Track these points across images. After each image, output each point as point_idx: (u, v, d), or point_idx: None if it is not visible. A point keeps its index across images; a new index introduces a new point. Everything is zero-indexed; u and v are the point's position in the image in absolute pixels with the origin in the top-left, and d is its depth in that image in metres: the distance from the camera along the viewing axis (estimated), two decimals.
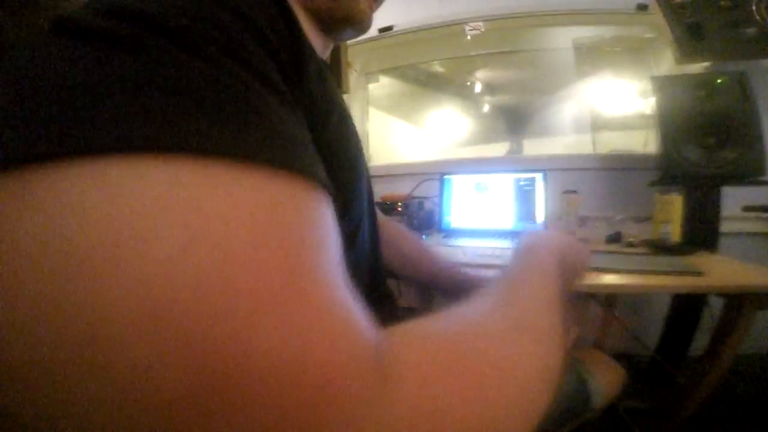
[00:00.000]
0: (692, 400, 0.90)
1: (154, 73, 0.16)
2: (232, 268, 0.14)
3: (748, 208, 1.50)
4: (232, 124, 0.16)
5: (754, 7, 1.29)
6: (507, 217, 1.43)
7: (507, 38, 2.28)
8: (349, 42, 2.00)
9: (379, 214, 0.70)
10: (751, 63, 1.52)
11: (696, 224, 1.25)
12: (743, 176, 1.19)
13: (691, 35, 1.37)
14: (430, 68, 2.65)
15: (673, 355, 1.39)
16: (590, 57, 2.21)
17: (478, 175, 1.49)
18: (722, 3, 1.34)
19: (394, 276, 0.75)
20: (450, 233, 1.45)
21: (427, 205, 1.62)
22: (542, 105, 2.44)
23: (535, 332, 0.25)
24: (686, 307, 1.36)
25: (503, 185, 1.45)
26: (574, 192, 1.43)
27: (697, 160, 1.22)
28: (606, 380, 0.68)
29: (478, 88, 2.60)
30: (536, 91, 2.45)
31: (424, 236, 1.39)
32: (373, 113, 2.54)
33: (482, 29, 2.02)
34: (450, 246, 1.18)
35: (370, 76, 2.53)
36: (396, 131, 2.64)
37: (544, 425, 0.53)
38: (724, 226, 1.35)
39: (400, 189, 1.73)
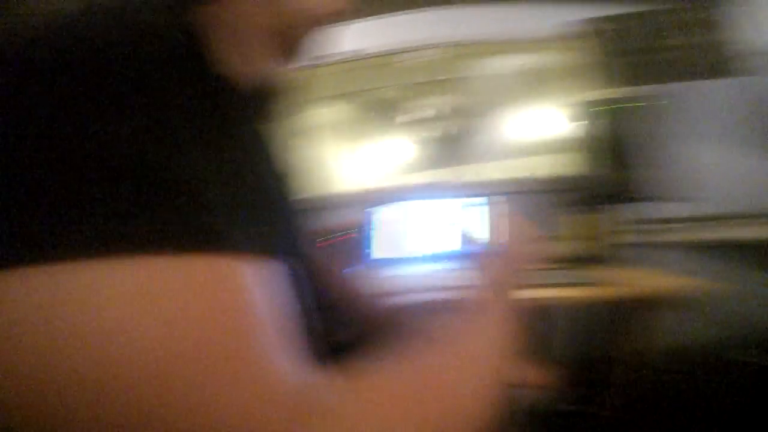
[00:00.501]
0: (613, 398, 0.99)
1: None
2: (172, 344, 0.18)
3: (654, 221, 1.71)
4: (148, 217, 0.18)
5: (661, 34, 1.51)
6: (451, 241, 1.48)
7: (453, 65, 2.42)
8: (298, 65, 2.01)
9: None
10: (661, 87, 1.70)
11: (607, 238, 1.40)
12: (649, 194, 1.36)
13: (614, 61, 1.56)
14: (377, 94, 2.74)
15: (589, 358, 1.49)
16: (526, 83, 2.41)
17: (418, 203, 1.55)
18: (640, 29, 1.54)
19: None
20: (389, 263, 1.46)
21: (356, 235, 1.60)
22: (483, 130, 2.59)
23: (463, 386, 0.28)
24: (598, 313, 1.50)
25: (443, 212, 1.51)
26: (510, 214, 1.54)
27: (613, 180, 1.38)
28: (533, 381, 0.70)
29: (424, 114, 2.72)
30: (478, 116, 2.59)
31: (352, 268, 1.35)
32: (315, 139, 2.56)
33: (431, 57, 2.16)
34: (379, 277, 1.21)
35: (312, 101, 2.54)
36: (339, 158, 2.68)
37: None
38: (636, 238, 1.52)
39: (342, 218, 1.74)
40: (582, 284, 0.94)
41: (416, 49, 2.15)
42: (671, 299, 0.90)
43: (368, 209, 1.57)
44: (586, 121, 1.46)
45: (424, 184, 2.12)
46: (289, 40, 0.47)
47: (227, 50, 0.41)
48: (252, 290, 0.21)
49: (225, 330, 0.19)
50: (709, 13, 1.46)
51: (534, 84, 2.40)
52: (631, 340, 1.01)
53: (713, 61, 1.45)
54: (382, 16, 2.20)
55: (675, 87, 1.77)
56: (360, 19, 2.20)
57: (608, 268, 1.19)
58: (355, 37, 2.17)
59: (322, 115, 2.69)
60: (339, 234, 1.57)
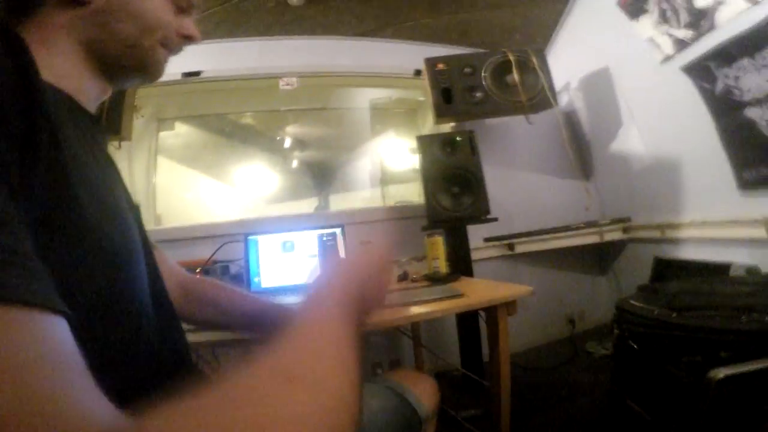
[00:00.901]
0: (500, 397, 1.05)
1: None
2: None
3: (488, 239, 2.03)
4: None
5: (483, 74, 1.74)
6: (315, 272, 1.47)
7: (316, 95, 2.45)
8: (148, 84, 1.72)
9: (187, 275, 0.68)
10: (478, 122, 2.07)
11: (455, 257, 1.59)
12: (478, 216, 1.59)
13: (444, 98, 1.72)
14: (238, 120, 2.57)
15: (474, 365, 1.65)
16: (381, 117, 2.60)
17: (283, 234, 1.50)
18: (465, 70, 1.74)
19: (223, 328, 0.72)
20: (261, 294, 1.37)
21: (233, 268, 1.52)
22: (345, 161, 2.69)
23: (309, 378, 0.25)
24: (466, 323, 1.67)
25: (308, 242, 1.50)
26: (369, 242, 1.61)
27: (448, 206, 1.57)
28: (423, 392, 0.74)
29: (287, 143, 2.67)
30: (340, 147, 2.69)
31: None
32: (167, 165, 2.23)
33: (296, 85, 2.10)
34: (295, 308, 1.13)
35: (163, 122, 2.24)
36: (195, 186, 2.40)
37: None
38: (475, 255, 1.77)
39: (200, 253, 1.56)
40: (440, 299, 1.02)
41: (276, 75, 2.09)
42: (511, 304, 1.01)
43: (248, 239, 1.47)
44: (423, 153, 1.63)
45: (287, 215, 2.05)
46: (139, 57, 0.43)
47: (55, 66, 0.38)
48: (55, 344, 0.21)
49: (12, 385, 0.18)
50: (522, 56, 1.75)
51: (384, 117, 2.63)
52: (491, 343, 1.06)
53: (525, 99, 1.72)
54: (242, 39, 2.08)
55: (496, 121, 2.19)
56: (220, 41, 2.03)
57: (458, 282, 1.33)
58: (219, 59, 2.01)
59: (186, 136, 2.39)
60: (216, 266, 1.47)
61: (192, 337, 0.78)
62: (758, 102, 1.34)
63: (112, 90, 0.47)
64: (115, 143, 1.61)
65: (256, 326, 0.70)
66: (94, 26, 0.39)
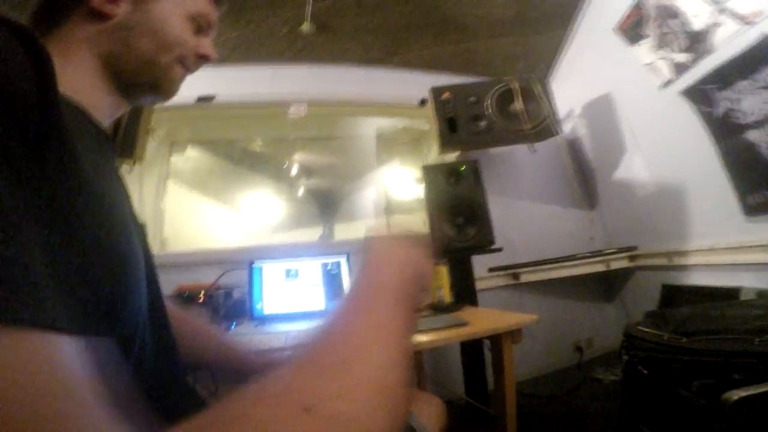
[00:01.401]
0: (507, 426, 1.03)
1: None
2: None
3: (492, 269, 2.01)
4: None
5: (487, 103, 1.76)
6: (317, 300, 1.47)
7: (324, 124, 2.49)
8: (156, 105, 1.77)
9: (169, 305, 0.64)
10: (483, 152, 2.07)
11: (459, 286, 1.57)
12: (482, 246, 1.58)
13: (449, 128, 1.74)
14: (247, 146, 2.62)
15: (479, 393, 1.61)
16: (387, 146, 2.63)
17: (287, 262, 1.50)
18: (470, 99, 1.76)
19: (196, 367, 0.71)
20: (263, 320, 1.38)
21: (236, 294, 1.51)
22: (350, 190, 2.71)
23: (369, 365, 0.24)
24: (470, 352, 1.63)
25: (312, 270, 1.50)
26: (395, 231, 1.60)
27: (453, 236, 1.57)
28: (428, 414, 0.72)
29: (294, 170, 2.71)
30: (346, 176, 2.71)
31: (233, 325, 1.31)
32: (176, 190, 2.26)
33: (304, 112, 2.15)
34: (263, 333, 1.14)
35: (175, 145, 2.27)
36: (202, 212, 2.43)
37: None
38: (479, 285, 1.75)
39: (204, 278, 1.56)
40: (444, 327, 1.01)
41: (286, 102, 2.15)
42: (516, 332, 1.01)
43: (252, 266, 1.47)
44: (428, 183, 1.64)
45: (292, 243, 2.05)
46: (156, 73, 0.44)
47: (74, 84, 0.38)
48: (69, 368, 0.20)
49: (40, 413, 0.18)
50: (525, 85, 1.77)
51: (389, 146, 2.67)
52: (496, 372, 1.06)
53: (528, 127, 1.74)
54: (255, 65, 2.15)
55: (500, 150, 2.20)
56: (234, 66, 2.10)
57: (462, 310, 1.31)
58: (232, 84, 2.07)
59: (195, 160, 2.43)
60: (219, 292, 1.45)
61: None
62: (758, 124, 1.34)
63: (126, 107, 0.47)
64: (128, 165, 1.63)
65: (220, 365, 0.71)
66: (113, 41, 0.40)
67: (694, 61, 1.53)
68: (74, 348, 0.21)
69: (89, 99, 0.40)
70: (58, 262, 0.24)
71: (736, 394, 0.79)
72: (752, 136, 1.37)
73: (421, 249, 0.42)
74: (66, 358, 0.20)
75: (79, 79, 0.39)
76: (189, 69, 0.49)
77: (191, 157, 2.41)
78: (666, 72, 1.67)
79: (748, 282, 1.45)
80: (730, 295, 1.46)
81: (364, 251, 0.40)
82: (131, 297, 0.34)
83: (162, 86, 0.45)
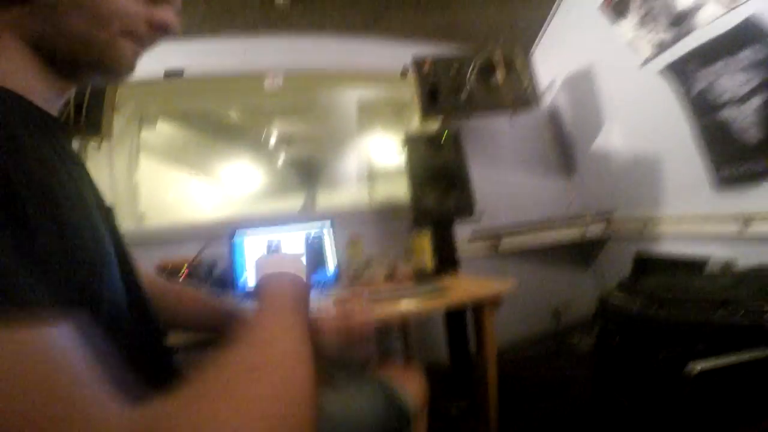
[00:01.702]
0: (488, 390, 1.09)
1: None
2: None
3: (473, 236, 2.06)
4: None
5: (468, 73, 1.76)
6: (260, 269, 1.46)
7: (302, 94, 2.41)
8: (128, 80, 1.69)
9: (152, 277, 0.66)
10: (464, 121, 2.07)
11: (441, 254, 1.61)
12: (464, 214, 1.61)
13: (430, 97, 1.74)
14: (223, 118, 2.54)
15: (462, 357, 1.67)
16: (368, 114, 2.59)
17: (269, 233, 1.49)
18: (451, 70, 1.76)
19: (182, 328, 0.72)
20: (247, 294, 1.37)
21: (219, 266, 1.51)
22: (332, 158, 2.68)
23: (269, 365, 0.31)
24: (453, 317, 1.67)
25: (294, 240, 1.49)
26: (357, 239, 1.62)
27: (434, 204, 1.59)
28: (411, 388, 0.75)
29: (273, 141, 2.65)
30: (327, 145, 2.68)
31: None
32: (149, 164, 2.19)
33: (281, 83, 2.07)
34: (250, 306, 1.13)
35: (145, 121, 2.18)
36: (180, 184, 2.36)
37: None
38: (461, 252, 1.79)
39: (185, 252, 1.54)
40: (426, 295, 1.04)
41: (261, 73, 2.06)
42: (495, 300, 1.05)
43: (233, 237, 1.45)
44: (409, 152, 1.64)
45: (273, 213, 2.03)
46: (96, 52, 0.39)
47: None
48: (59, 349, 0.23)
49: (41, 394, 0.21)
50: (508, 56, 1.79)
51: (371, 115, 2.63)
52: (478, 338, 1.10)
53: (509, 98, 1.77)
54: (227, 37, 2.04)
55: (481, 119, 2.22)
56: (204, 39, 1.98)
57: (444, 279, 1.35)
58: (202, 57, 1.95)
59: (168, 134, 2.34)
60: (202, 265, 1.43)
61: (175, 339, 0.78)
62: (734, 103, 1.39)
63: (72, 88, 0.43)
64: (95, 143, 1.58)
65: (210, 327, 0.71)
66: (38, 22, 0.36)
67: (675, 40, 1.56)
68: (61, 335, 0.24)
69: (25, 85, 0.36)
70: (24, 260, 0.25)
71: (699, 366, 0.82)
72: (726, 114, 1.42)
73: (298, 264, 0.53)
74: (57, 345, 0.23)
75: (10, 66, 0.36)
76: (143, 43, 0.42)
77: (163, 131, 2.33)
78: (646, 50, 1.70)
79: (716, 253, 1.52)
80: (698, 265, 1.53)
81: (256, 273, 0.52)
82: (100, 287, 0.34)
83: (108, 65, 0.39)
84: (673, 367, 0.88)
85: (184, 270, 1.39)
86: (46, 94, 0.39)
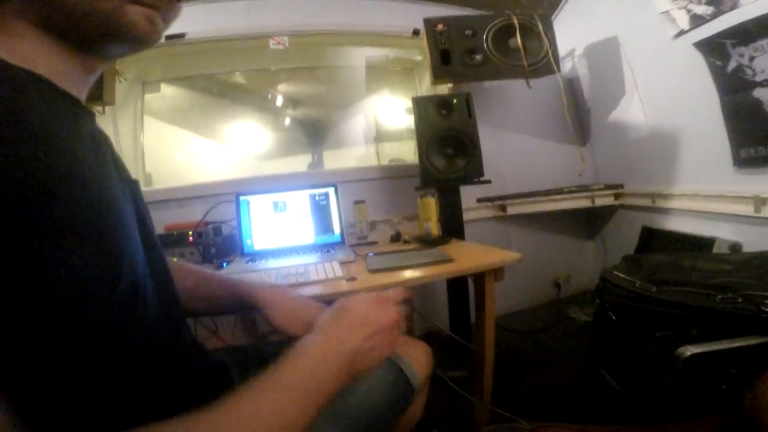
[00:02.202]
0: (485, 360, 1.10)
1: None
2: None
3: (480, 200, 2.04)
4: None
5: (484, 36, 1.69)
6: (308, 233, 1.48)
7: (309, 54, 2.34)
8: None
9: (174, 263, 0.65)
10: (476, 84, 2.02)
11: (447, 218, 1.60)
12: (471, 178, 1.58)
13: (442, 60, 1.67)
14: (228, 79, 2.48)
15: (462, 326, 1.71)
16: (377, 75, 2.51)
17: (275, 194, 1.48)
18: (466, 32, 1.68)
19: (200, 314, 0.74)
20: (254, 256, 1.38)
21: (226, 229, 1.52)
22: (339, 119, 2.64)
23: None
24: (455, 286, 1.71)
25: (300, 202, 1.49)
26: (363, 201, 1.62)
27: (442, 167, 1.56)
28: (416, 360, 0.75)
29: (279, 101, 2.60)
30: (334, 105, 2.63)
31: (225, 264, 1.29)
32: (155, 126, 2.18)
33: (287, 44, 1.99)
34: (255, 270, 1.13)
35: (148, 85, 2.17)
36: (186, 146, 2.36)
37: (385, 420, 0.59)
38: (467, 216, 1.78)
39: (191, 214, 1.55)
40: (431, 263, 1.04)
41: (266, 35, 1.98)
42: (498, 270, 1.03)
43: (239, 199, 1.45)
44: (418, 114, 1.59)
45: (279, 175, 2.01)
46: (104, 23, 0.37)
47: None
48: None
49: None
50: (527, 21, 1.68)
51: (379, 76, 2.54)
52: (478, 307, 1.10)
53: (527, 63, 1.67)
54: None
55: (494, 83, 2.13)
56: (205, 2, 1.90)
57: (449, 244, 1.34)
58: (205, 19, 1.88)
59: (173, 97, 2.30)
60: (208, 228, 1.43)
61: None
62: None
63: (101, 63, 0.42)
64: (99, 108, 1.57)
65: (223, 310, 0.73)
66: (41, 3, 0.34)
67: (715, 15, 1.46)
68: None
69: (49, 68, 0.36)
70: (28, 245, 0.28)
71: (689, 350, 0.80)
72: (760, 93, 1.35)
73: (386, 308, 0.51)
74: None
75: (31, 50, 0.35)
76: (156, 6, 0.40)
77: (168, 94, 2.29)
78: (682, 22, 1.59)
79: (724, 233, 1.49)
80: (705, 244, 1.50)
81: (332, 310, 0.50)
82: (124, 267, 0.36)
83: (121, 34, 0.37)
84: (665, 349, 0.86)
85: (190, 235, 1.40)
86: (71, 74, 0.39)
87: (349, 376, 0.43)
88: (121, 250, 0.36)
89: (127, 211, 0.40)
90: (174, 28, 1.78)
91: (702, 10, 1.50)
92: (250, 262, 1.29)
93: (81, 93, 0.41)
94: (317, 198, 1.50)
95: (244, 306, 0.70)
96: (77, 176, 0.32)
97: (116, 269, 0.35)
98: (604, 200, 2.04)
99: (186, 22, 1.82)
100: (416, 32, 2.05)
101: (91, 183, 0.34)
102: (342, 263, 1.13)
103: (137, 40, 0.39)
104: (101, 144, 0.43)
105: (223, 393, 0.34)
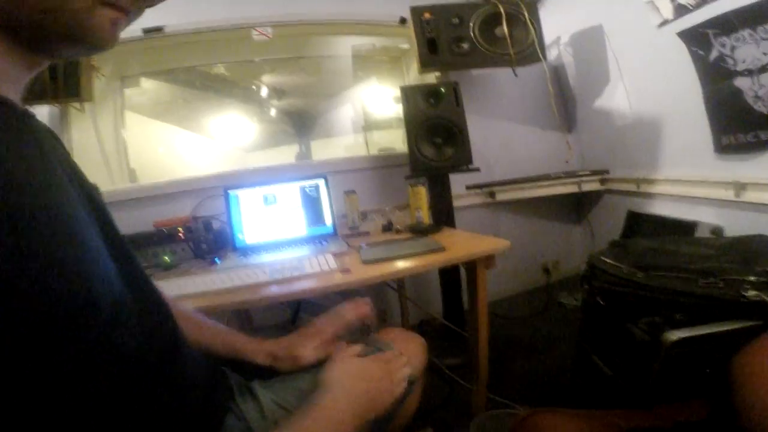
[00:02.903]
0: (479, 347, 1.12)
1: None
2: None
3: (469, 187, 2.06)
4: None
5: (471, 25, 1.68)
6: (299, 225, 1.47)
7: (293, 44, 2.29)
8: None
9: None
10: (463, 73, 2.04)
11: (437, 206, 1.61)
12: (460, 166, 1.59)
13: (429, 48, 1.67)
14: (210, 71, 2.42)
15: (455, 313, 1.74)
16: (364, 64, 2.48)
17: (264, 187, 1.47)
18: (453, 20, 1.68)
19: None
20: (245, 251, 1.37)
21: (216, 224, 1.50)
22: (326, 108, 2.62)
23: None
24: (447, 274, 1.73)
25: (290, 194, 1.48)
26: (353, 192, 1.61)
27: (431, 155, 1.57)
28: (413, 353, 0.76)
29: (264, 92, 2.56)
30: (321, 95, 2.61)
31: (217, 259, 1.27)
32: (137, 120, 2.13)
33: (270, 35, 1.94)
34: (248, 266, 1.11)
35: (127, 80, 2.11)
36: (170, 139, 2.31)
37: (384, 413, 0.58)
38: (456, 202, 1.80)
39: (180, 209, 1.53)
40: (424, 253, 1.05)
41: (249, 26, 1.93)
42: (490, 258, 1.05)
43: (227, 194, 1.42)
44: (407, 103, 1.59)
45: (268, 167, 1.99)
46: (67, 23, 0.33)
47: None
48: None
49: None
50: (513, 9, 1.68)
51: (366, 65, 2.52)
52: (470, 295, 1.11)
53: (513, 52, 1.68)
54: None
55: (481, 71, 2.13)
56: None
57: (440, 232, 1.36)
58: (183, 11, 1.81)
59: (154, 91, 2.24)
60: (198, 224, 1.42)
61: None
62: (750, 73, 1.35)
63: (45, 63, 0.37)
64: (77, 105, 1.52)
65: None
66: None
67: (698, 4, 1.48)
68: None
69: None
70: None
71: (675, 335, 0.82)
72: (740, 83, 1.39)
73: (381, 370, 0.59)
74: None
75: None
76: (125, 9, 0.35)
77: (148, 88, 2.23)
78: (666, 12, 1.62)
79: (706, 217, 1.54)
80: (688, 228, 1.55)
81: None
82: (95, 279, 0.32)
83: (82, 37, 0.33)
84: (652, 334, 0.88)
85: (181, 231, 1.38)
86: (11, 72, 0.34)
87: (362, 420, 0.51)
88: (89, 273, 0.32)
89: (87, 223, 0.35)
90: (151, 21, 1.74)
91: (686, 0, 1.53)
92: (242, 257, 1.27)
93: (17, 92, 0.36)
94: (308, 190, 1.49)
95: (236, 359, 0.65)
96: (22, 200, 0.28)
97: (90, 294, 0.31)
98: (590, 186, 2.08)
99: (163, 15, 1.75)
100: (403, 20, 2.03)
101: (41, 205, 0.29)
102: (335, 255, 1.13)
103: (96, 45, 0.35)
104: (46, 148, 0.37)
105: (223, 399, 0.34)
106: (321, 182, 1.50)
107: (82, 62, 1.49)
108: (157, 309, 0.46)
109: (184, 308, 0.68)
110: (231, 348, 0.65)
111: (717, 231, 1.47)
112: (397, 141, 2.28)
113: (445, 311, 1.78)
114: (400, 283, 1.85)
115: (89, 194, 0.41)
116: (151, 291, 0.46)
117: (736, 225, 1.42)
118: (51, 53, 0.36)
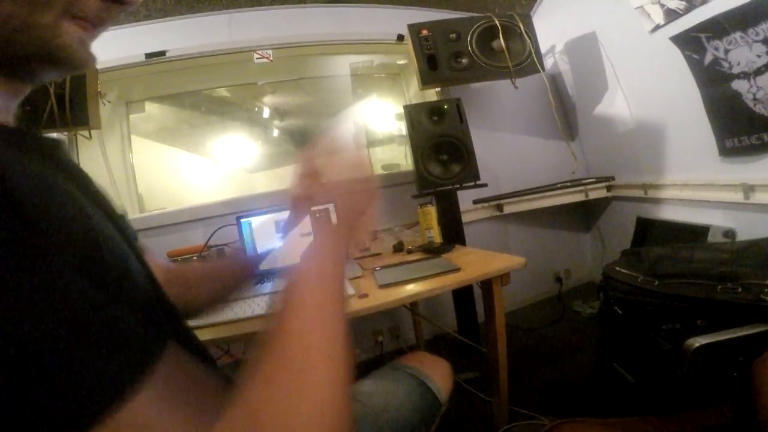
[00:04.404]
0: (499, 362, 1.11)
1: None
2: None
3: (477, 201, 2.07)
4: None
5: (468, 39, 1.71)
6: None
7: (294, 65, 2.33)
8: (100, 67, 1.64)
9: (163, 263, 0.64)
10: (463, 87, 2.05)
11: (447, 223, 1.62)
12: (468, 183, 1.61)
13: (429, 65, 1.69)
14: (213, 94, 2.46)
15: (470, 328, 1.74)
16: (363, 81, 2.52)
17: (276, 214, 1.47)
18: (450, 36, 1.70)
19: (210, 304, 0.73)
20: (261, 278, 1.35)
21: (228, 251, 1.51)
22: (328, 126, 2.63)
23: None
24: (461, 291, 1.73)
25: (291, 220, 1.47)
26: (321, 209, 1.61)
27: (438, 174, 1.58)
28: (440, 376, 0.78)
29: (266, 113, 2.59)
30: (322, 114, 2.63)
31: None
32: (143, 145, 2.16)
33: (271, 57, 1.97)
34: (266, 293, 1.12)
35: (132, 105, 2.14)
36: (176, 163, 2.33)
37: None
38: (465, 217, 1.80)
39: (191, 238, 1.54)
40: (438, 274, 1.05)
41: (249, 49, 1.96)
42: (505, 275, 1.05)
43: (240, 222, 1.43)
44: (410, 122, 1.61)
45: (277, 192, 2.00)
46: (39, 41, 0.31)
47: None
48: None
49: None
50: (508, 21, 1.71)
51: (366, 82, 2.55)
52: (486, 310, 1.11)
53: (511, 64, 1.69)
54: (208, 14, 1.93)
55: (481, 85, 2.15)
56: (183, 18, 1.88)
57: (452, 251, 1.36)
58: (185, 36, 1.86)
59: (159, 116, 2.27)
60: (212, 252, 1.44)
61: (205, 335, 0.79)
62: (746, 75, 1.36)
63: (27, 87, 0.36)
64: (85, 133, 1.54)
65: (231, 281, 0.74)
66: None
67: (688, 9, 1.50)
68: (158, 384, 0.25)
69: None
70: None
71: (698, 341, 0.83)
72: (738, 85, 1.40)
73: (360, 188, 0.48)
74: (155, 403, 0.24)
75: None
76: (93, 23, 0.34)
77: (153, 113, 2.26)
78: (657, 17, 1.63)
79: (717, 220, 1.54)
80: (699, 232, 1.54)
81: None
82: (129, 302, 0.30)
83: (53, 55, 0.32)
84: (674, 341, 0.89)
85: (196, 257, 1.39)
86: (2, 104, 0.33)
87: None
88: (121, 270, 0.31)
89: (122, 251, 0.33)
90: (153, 46, 1.77)
91: (675, 4, 1.54)
92: (258, 284, 1.28)
93: (7, 119, 0.35)
94: (318, 215, 1.49)
95: (245, 271, 0.73)
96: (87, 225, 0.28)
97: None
98: (597, 193, 2.09)
99: (165, 39, 1.80)
100: (400, 37, 2.06)
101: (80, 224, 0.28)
102: (351, 279, 1.13)
103: (70, 65, 0.34)
104: (78, 174, 0.37)
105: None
106: (330, 206, 1.50)
107: (87, 89, 1.50)
108: (184, 329, 0.47)
109: (192, 266, 0.73)
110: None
111: (730, 233, 1.46)
112: (399, 156, 2.30)
113: (460, 326, 1.77)
114: (413, 302, 1.84)
115: (118, 220, 0.40)
116: (174, 310, 0.46)
117: (748, 227, 1.42)
118: (32, 77, 0.35)
